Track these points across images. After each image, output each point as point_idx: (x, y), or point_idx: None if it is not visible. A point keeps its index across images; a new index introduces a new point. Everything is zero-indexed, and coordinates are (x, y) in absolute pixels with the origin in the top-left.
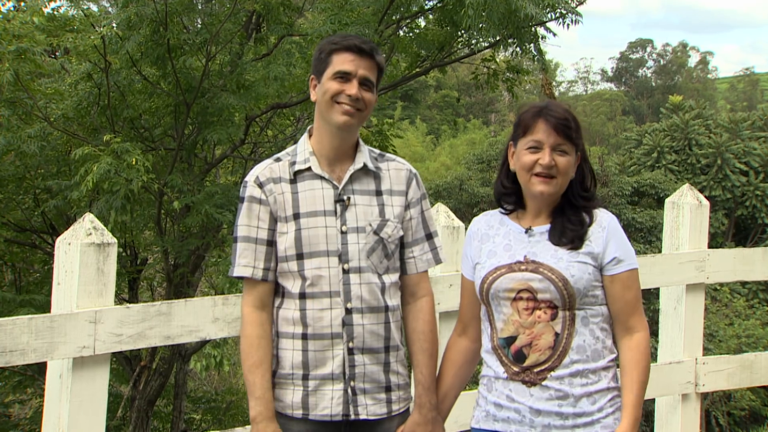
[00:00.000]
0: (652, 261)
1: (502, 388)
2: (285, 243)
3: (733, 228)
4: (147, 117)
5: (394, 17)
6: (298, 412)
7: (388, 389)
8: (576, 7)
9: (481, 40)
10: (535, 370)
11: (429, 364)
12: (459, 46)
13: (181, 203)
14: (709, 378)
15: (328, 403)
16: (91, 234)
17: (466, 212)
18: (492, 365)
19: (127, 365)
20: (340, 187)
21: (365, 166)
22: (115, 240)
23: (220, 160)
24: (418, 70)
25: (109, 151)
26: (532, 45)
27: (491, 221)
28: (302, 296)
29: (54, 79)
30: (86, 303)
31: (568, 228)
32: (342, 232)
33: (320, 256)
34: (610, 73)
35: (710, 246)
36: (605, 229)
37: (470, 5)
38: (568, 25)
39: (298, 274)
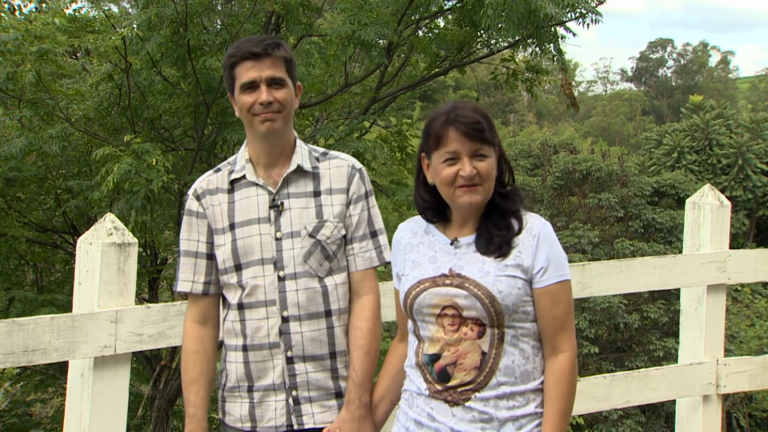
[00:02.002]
0: (673, 261)
1: (424, 405)
2: (223, 255)
3: (755, 228)
4: (167, 117)
5: (413, 17)
6: (247, 425)
7: (338, 395)
8: (596, 7)
9: (500, 40)
10: (459, 390)
11: (363, 360)
12: (478, 46)
13: None
14: (730, 379)
15: (273, 414)
16: (112, 234)
17: None
18: (415, 380)
19: (147, 365)
20: (275, 193)
21: (300, 167)
22: (136, 240)
23: None
24: (437, 70)
25: (130, 152)
26: (551, 45)
27: (415, 228)
28: (240, 307)
29: (75, 79)
30: (107, 303)
31: (495, 234)
32: (276, 239)
33: (255, 264)
34: (629, 73)
35: (731, 247)
36: (535, 237)
37: (489, 5)
38: (588, 24)
39: (237, 285)
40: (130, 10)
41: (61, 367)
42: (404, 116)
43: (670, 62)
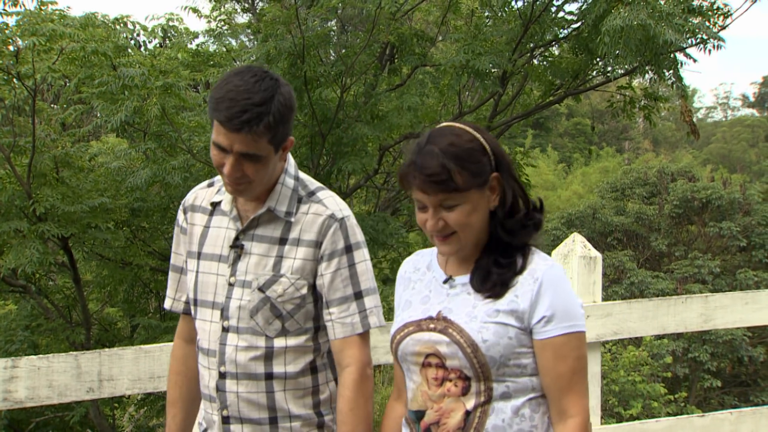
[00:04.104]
0: None
1: None
2: (189, 283)
3: None
4: None
5: (528, 46)
6: None
7: None
8: (718, 32)
9: (617, 67)
10: None
11: None
12: (594, 73)
13: None
14: None
15: None
16: None
17: (599, 241)
18: None
19: None
20: (240, 231)
21: (270, 210)
22: None
23: (354, 190)
24: (551, 98)
25: None
26: (670, 71)
27: (419, 264)
28: (198, 348)
29: (196, 112)
30: None
31: (493, 271)
32: (230, 284)
33: (207, 307)
34: (751, 99)
35: None
36: (537, 281)
37: (606, 33)
38: (709, 50)
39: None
40: (249, 44)
41: None
42: (517, 144)
43: None
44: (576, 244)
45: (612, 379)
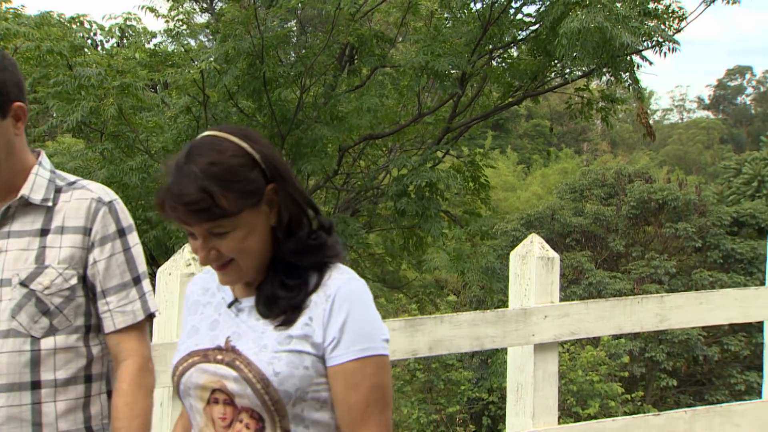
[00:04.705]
0: (755, 293)
1: None
2: None
3: None
4: None
5: (486, 47)
6: None
7: None
8: (673, 35)
9: (574, 69)
10: None
11: None
12: (552, 75)
13: None
14: None
15: None
16: (190, 264)
17: (558, 242)
18: None
19: None
20: None
21: (24, 198)
22: None
23: (314, 191)
24: (510, 99)
25: None
26: (627, 73)
27: (208, 283)
28: None
29: (154, 112)
30: None
31: (281, 295)
32: None
33: None
34: (706, 101)
35: None
36: (330, 298)
37: (564, 35)
38: (665, 53)
39: None
40: (208, 44)
41: None
42: (476, 146)
43: (749, 90)
44: (534, 245)
45: (570, 378)
